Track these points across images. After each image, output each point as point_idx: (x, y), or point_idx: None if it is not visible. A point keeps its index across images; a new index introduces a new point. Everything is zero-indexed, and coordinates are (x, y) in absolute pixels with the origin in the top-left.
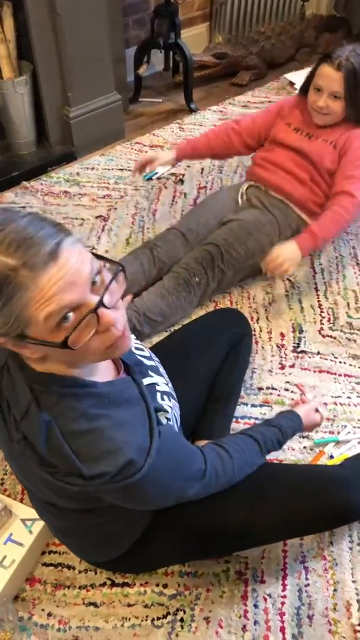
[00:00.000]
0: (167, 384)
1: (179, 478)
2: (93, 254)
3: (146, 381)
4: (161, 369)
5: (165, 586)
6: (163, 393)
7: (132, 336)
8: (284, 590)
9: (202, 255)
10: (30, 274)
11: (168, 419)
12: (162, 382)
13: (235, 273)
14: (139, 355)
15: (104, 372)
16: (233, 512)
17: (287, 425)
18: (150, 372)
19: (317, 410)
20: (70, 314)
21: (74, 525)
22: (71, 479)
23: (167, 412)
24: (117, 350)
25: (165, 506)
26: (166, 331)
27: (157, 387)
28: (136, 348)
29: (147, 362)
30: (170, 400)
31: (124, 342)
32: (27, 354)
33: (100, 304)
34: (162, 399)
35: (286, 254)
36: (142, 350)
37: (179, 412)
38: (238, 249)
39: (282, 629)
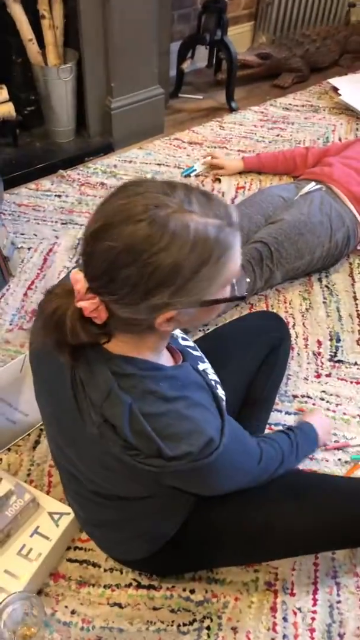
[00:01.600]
0: (214, 374)
1: (244, 460)
2: None
3: (200, 367)
4: (206, 360)
5: (192, 592)
6: (216, 382)
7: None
8: (314, 605)
9: (250, 253)
10: (232, 231)
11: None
12: (211, 371)
13: (283, 274)
14: (185, 345)
15: (165, 359)
16: (278, 518)
17: (307, 428)
18: (198, 361)
19: None
20: None
21: (117, 516)
22: (152, 460)
23: (223, 400)
24: None
25: (226, 492)
26: (200, 330)
27: (209, 376)
28: (182, 338)
29: (194, 352)
30: (221, 390)
31: None
32: (164, 327)
33: None
34: (216, 388)
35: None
36: (187, 340)
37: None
38: (288, 248)
39: None
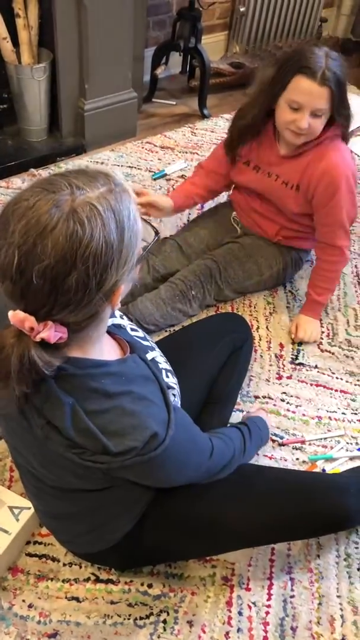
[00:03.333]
0: (166, 362)
1: (194, 454)
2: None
3: (148, 356)
4: (157, 349)
5: (150, 586)
6: (167, 370)
7: (125, 317)
8: (269, 599)
9: (200, 269)
10: (121, 187)
11: (174, 395)
12: (162, 360)
13: (232, 291)
14: (133, 335)
15: (112, 353)
16: (229, 510)
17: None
18: (148, 350)
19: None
20: None
21: (76, 508)
22: (98, 457)
23: (174, 388)
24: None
25: (178, 484)
26: (166, 331)
27: (160, 365)
28: (131, 329)
29: (143, 342)
30: (173, 377)
31: None
32: (118, 304)
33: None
34: (167, 377)
35: (306, 327)
36: (136, 331)
37: (179, 391)
38: (236, 269)
39: (265, 639)
